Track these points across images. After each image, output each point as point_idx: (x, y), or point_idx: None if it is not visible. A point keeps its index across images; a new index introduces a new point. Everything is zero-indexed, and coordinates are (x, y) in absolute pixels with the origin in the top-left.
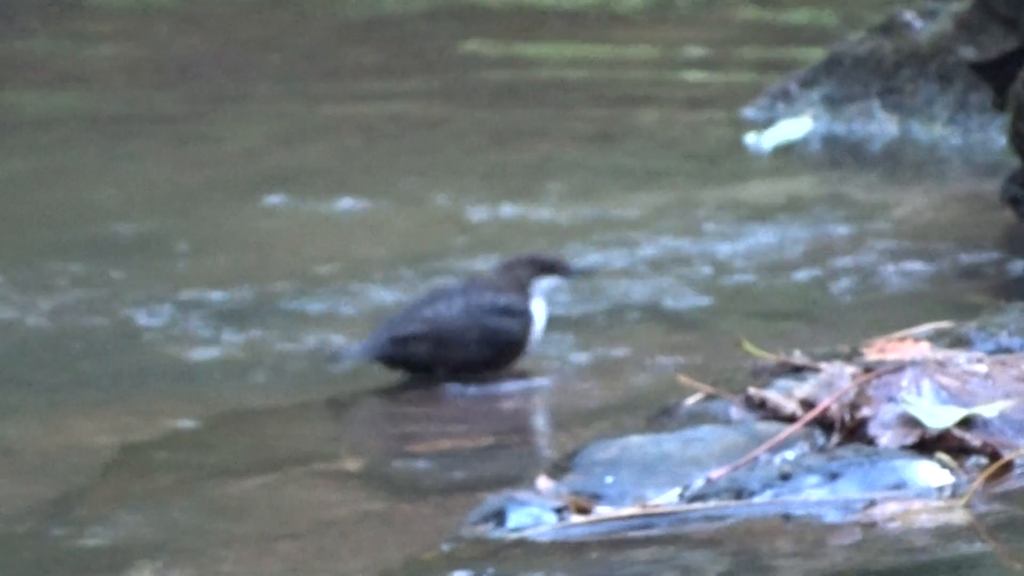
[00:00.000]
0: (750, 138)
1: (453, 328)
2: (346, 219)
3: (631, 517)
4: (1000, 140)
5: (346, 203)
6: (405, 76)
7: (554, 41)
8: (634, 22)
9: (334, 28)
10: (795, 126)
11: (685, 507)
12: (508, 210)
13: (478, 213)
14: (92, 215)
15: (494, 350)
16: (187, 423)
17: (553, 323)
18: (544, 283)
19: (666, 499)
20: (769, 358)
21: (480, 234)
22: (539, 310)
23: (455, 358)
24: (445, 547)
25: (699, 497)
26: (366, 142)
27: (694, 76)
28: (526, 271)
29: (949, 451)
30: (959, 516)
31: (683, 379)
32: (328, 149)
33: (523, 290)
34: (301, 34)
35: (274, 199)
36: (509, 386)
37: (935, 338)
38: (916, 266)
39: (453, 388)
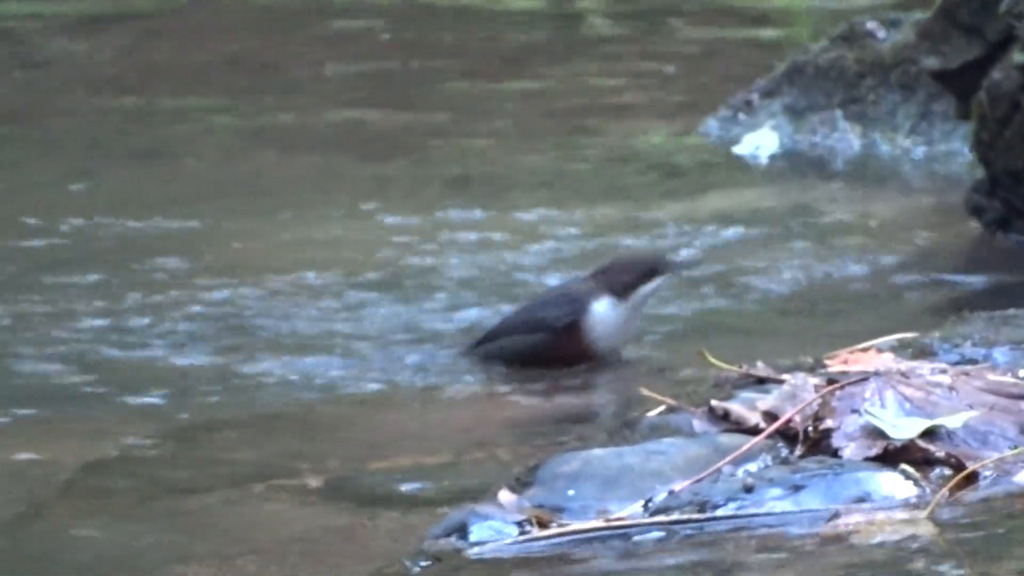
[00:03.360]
0: (741, 148)
1: (509, 324)
2: (304, 234)
3: (593, 530)
4: (963, 150)
5: (304, 217)
6: (361, 88)
7: (513, 64)
8: (593, 40)
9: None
10: (767, 137)
11: (648, 520)
12: (469, 222)
13: (439, 226)
14: (45, 228)
15: (541, 346)
16: (146, 440)
17: None
18: (649, 287)
19: (628, 512)
20: (732, 370)
21: (441, 248)
22: (611, 311)
23: (513, 350)
24: (407, 562)
25: (662, 510)
26: (319, 154)
27: (651, 87)
28: (628, 275)
29: (913, 462)
30: (923, 528)
31: (645, 391)
32: (280, 162)
33: (623, 292)
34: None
35: (231, 213)
36: (470, 400)
37: (899, 349)
38: (879, 277)
39: (414, 402)
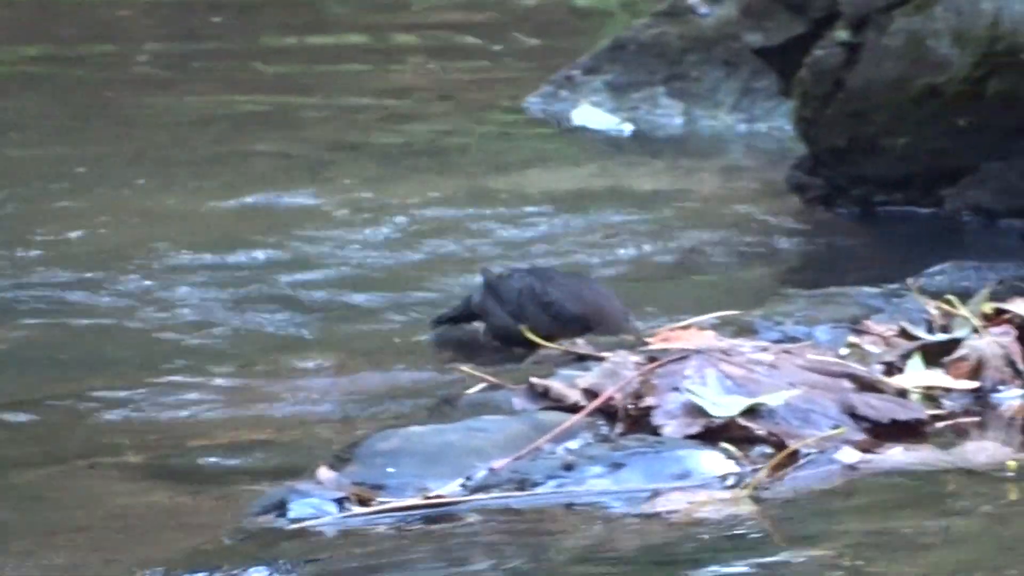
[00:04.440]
0: (563, 125)
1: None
2: (134, 211)
3: (412, 508)
4: (786, 127)
5: (125, 193)
6: (181, 65)
7: (333, 31)
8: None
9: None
10: (589, 114)
11: (467, 498)
12: (288, 199)
13: (268, 204)
14: None
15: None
16: None
17: (337, 313)
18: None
19: (448, 490)
20: (552, 347)
21: (272, 226)
22: None
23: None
24: (227, 539)
25: (481, 488)
26: (145, 132)
27: (475, 63)
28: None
29: (734, 440)
30: (744, 506)
31: (465, 368)
32: (111, 139)
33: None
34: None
35: (57, 191)
36: (290, 377)
37: (720, 326)
38: (701, 254)
39: (233, 380)
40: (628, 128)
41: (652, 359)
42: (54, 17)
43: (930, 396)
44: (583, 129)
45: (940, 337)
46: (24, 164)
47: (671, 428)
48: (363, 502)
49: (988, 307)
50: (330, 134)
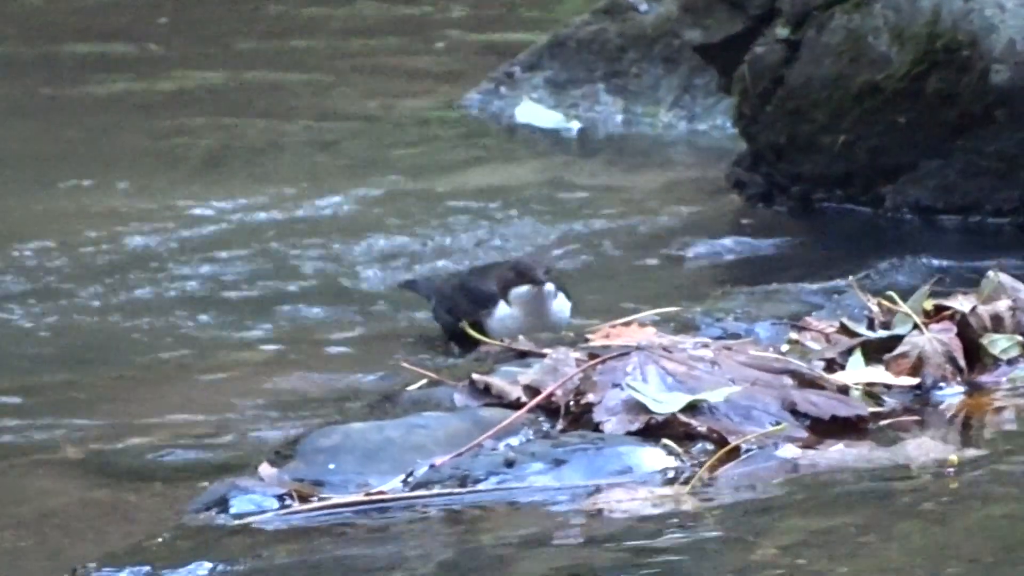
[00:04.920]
0: (504, 121)
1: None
2: (64, 205)
3: (353, 504)
4: (726, 124)
5: (63, 188)
6: (112, 59)
7: (269, 36)
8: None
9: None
10: (529, 110)
11: (408, 494)
12: (218, 197)
13: (197, 200)
14: None
15: (453, 327)
16: None
17: (277, 310)
18: (517, 290)
19: (389, 486)
20: (493, 344)
21: (200, 223)
22: (506, 310)
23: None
24: (168, 535)
25: (422, 484)
26: (73, 126)
27: (413, 59)
28: (508, 275)
29: (675, 437)
30: (685, 502)
31: (406, 365)
32: (37, 132)
33: (504, 290)
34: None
35: None
36: (232, 373)
37: (661, 323)
38: (642, 251)
39: (173, 377)
40: (575, 125)
41: (593, 356)
42: None
43: (871, 393)
44: (526, 127)
45: (881, 334)
46: None
47: (612, 425)
48: (304, 499)
49: (929, 304)
50: (266, 133)
